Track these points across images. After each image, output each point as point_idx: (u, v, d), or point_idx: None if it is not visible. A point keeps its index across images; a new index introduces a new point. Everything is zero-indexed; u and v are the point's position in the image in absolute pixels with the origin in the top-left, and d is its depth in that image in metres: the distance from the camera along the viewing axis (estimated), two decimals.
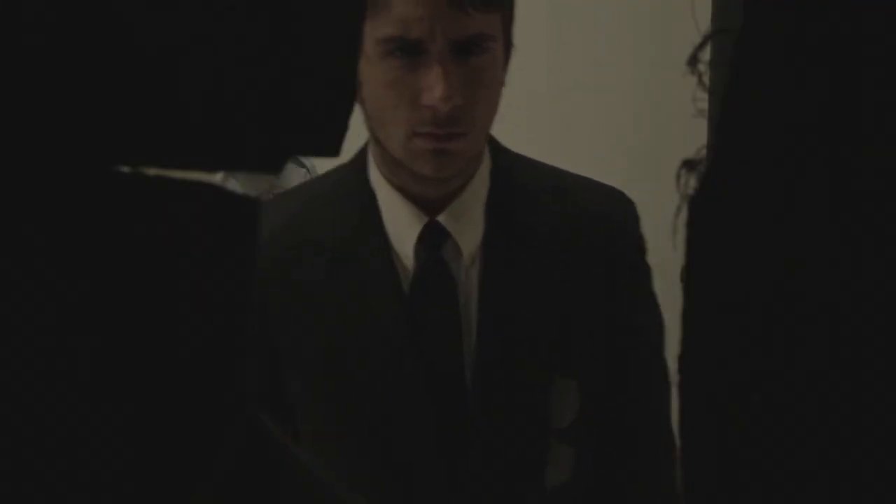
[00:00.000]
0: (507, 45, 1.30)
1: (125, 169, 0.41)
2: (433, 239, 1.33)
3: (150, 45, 0.39)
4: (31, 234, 0.39)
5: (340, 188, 1.38)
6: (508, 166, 1.38)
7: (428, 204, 1.33)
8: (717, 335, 0.48)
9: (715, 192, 0.50)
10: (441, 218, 1.33)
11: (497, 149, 1.39)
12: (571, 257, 1.35)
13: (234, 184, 2.58)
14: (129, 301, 0.40)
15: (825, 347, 0.45)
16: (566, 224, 1.36)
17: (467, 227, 1.33)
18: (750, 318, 0.47)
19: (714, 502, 0.48)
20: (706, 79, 1.16)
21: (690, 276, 0.51)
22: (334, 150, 0.43)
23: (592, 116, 3.19)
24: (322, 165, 2.82)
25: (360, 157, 1.37)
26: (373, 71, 1.24)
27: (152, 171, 0.41)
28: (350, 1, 0.42)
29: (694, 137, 1.24)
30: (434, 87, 1.21)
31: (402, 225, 1.33)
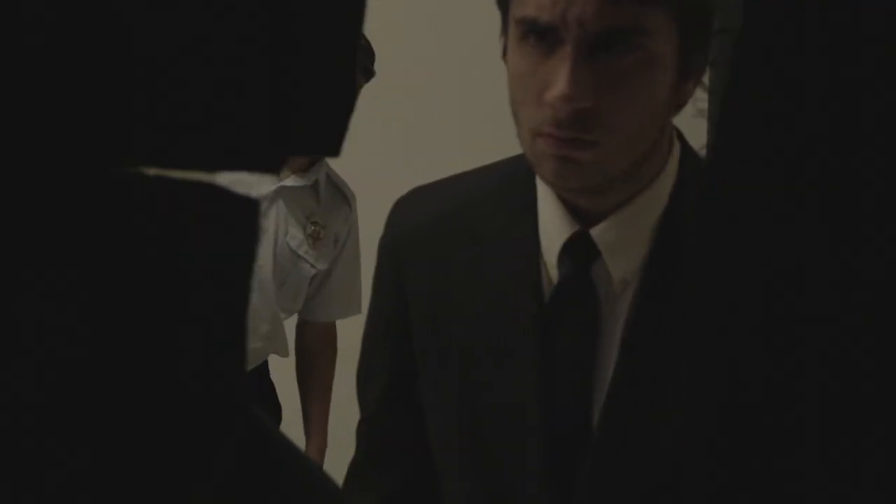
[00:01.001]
0: (690, 48, 1.06)
1: (125, 169, 0.41)
2: (581, 253, 1.13)
3: (150, 45, 0.39)
4: (31, 233, 0.39)
5: (508, 179, 1.21)
6: (694, 183, 1.13)
7: (584, 212, 1.13)
8: (718, 333, 0.48)
9: (715, 192, 0.50)
10: (594, 231, 1.12)
11: (688, 159, 1.14)
12: None
13: None
14: (129, 301, 0.40)
15: (825, 346, 0.45)
16: None
17: (624, 247, 1.12)
18: (750, 317, 0.47)
19: (714, 501, 0.48)
20: (706, 79, 1.15)
21: (691, 275, 0.51)
22: (334, 151, 0.43)
23: None
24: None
25: None
26: (512, 55, 1.09)
27: (152, 171, 0.41)
28: (350, 1, 0.43)
29: (694, 137, 1.23)
30: (556, 84, 1.02)
31: (552, 229, 1.15)
